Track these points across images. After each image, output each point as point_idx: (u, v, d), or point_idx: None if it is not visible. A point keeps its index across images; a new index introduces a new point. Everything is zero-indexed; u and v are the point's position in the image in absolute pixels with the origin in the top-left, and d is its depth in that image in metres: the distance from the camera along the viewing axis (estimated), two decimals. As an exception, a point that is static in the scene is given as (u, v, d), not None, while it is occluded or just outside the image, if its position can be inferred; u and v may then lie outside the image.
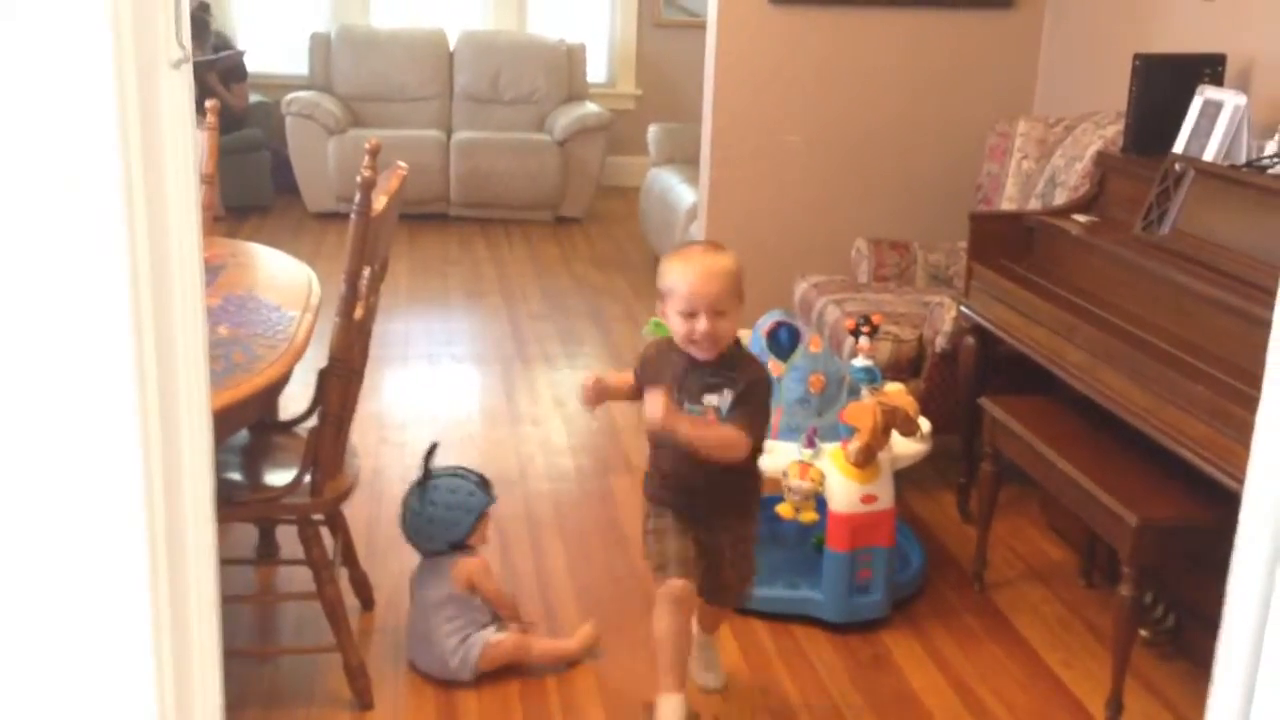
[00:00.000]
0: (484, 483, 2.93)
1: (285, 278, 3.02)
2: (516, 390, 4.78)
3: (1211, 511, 2.56)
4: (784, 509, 3.05)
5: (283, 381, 2.46)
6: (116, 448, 1.37)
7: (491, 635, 2.80)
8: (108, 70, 1.26)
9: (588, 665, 2.88)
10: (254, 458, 2.81)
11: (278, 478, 2.63)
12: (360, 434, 3.69)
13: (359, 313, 2.56)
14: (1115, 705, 2.64)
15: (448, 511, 2.83)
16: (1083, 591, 3.30)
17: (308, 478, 2.58)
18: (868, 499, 3.00)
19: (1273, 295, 2.40)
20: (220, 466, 2.58)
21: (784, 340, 3.25)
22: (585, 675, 2.85)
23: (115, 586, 1.40)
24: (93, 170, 1.29)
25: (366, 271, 2.56)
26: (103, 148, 1.28)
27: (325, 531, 2.83)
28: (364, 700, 2.68)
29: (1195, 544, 2.62)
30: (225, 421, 2.23)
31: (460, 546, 2.85)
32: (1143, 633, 2.95)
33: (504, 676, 2.82)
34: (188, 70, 1.50)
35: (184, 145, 1.48)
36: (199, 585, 1.61)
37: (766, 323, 3.27)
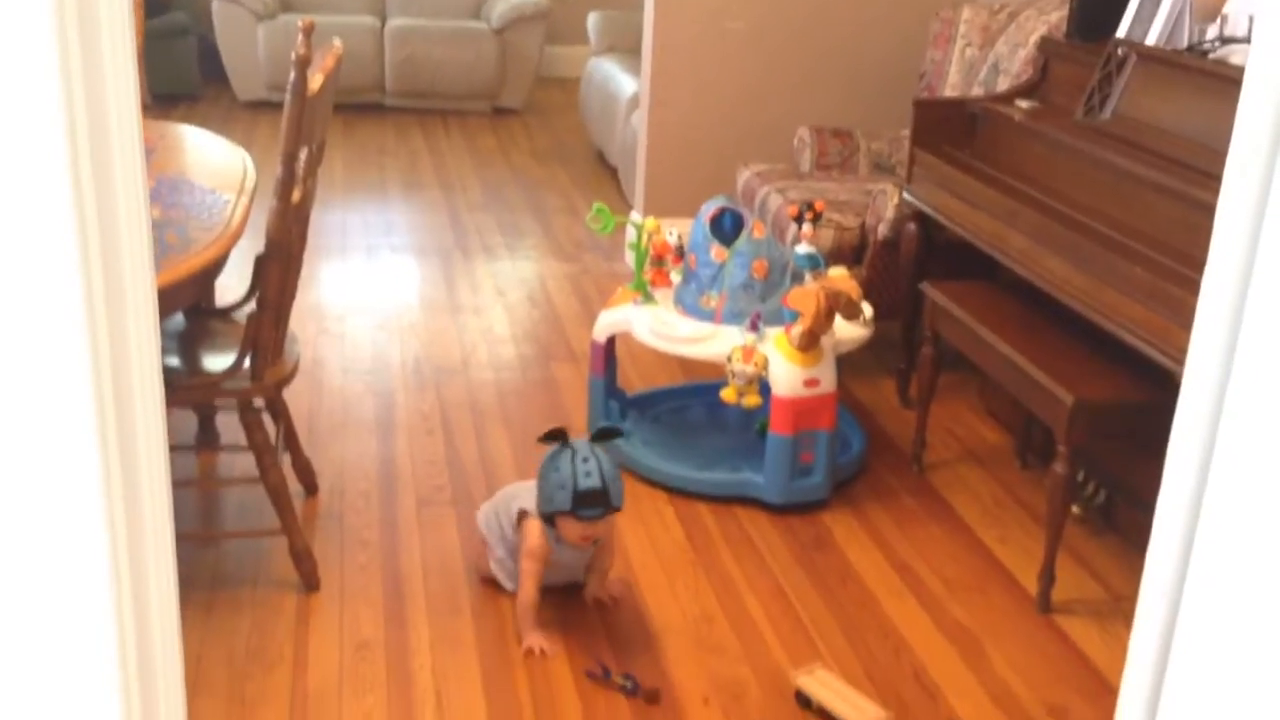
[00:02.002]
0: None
1: (219, 161, 2.95)
2: (457, 281, 4.73)
3: (1145, 391, 2.62)
4: (728, 393, 3.08)
5: (219, 265, 2.42)
6: (61, 324, 1.33)
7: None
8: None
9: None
10: (191, 344, 2.76)
11: (217, 363, 2.60)
12: (299, 325, 3.65)
13: (296, 196, 2.51)
14: (1047, 577, 2.72)
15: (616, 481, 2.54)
16: (1018, 472, 3.38)
17: (247, 362, 2.54)
18: (810, 383, 3.02)
19: (1211, 178, 2.44)
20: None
21: (727, 226, 3.24)
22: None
23: (67, 468, 1.38)
24: (26, 43, 1.23)
25: (303, 153, 2.50)
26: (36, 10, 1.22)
27: (267, 418, 2.81)
28: (310, 583, 2.69)
29: (1128, 423, 2.68)
30: (160, 304, 2.18)
31: (550, 518, 2.55)
32: (1074, 509, 3.03)
33: (459, 580, 2.84)
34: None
35: (121, 11, 1.41)
36: (149, 462, 1.59)
37: (710, 209, 3.25)
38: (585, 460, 2.49)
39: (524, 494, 2.64)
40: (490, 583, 2.75)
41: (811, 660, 2.52)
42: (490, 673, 2.48)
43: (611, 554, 2.70)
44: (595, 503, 2.48)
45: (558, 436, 2.54)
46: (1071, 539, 2.98)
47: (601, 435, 2.61)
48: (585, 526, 2.51)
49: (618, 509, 2.53)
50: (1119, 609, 2.76)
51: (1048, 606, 2.74)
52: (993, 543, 3.02)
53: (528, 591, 2.57)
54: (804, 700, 2.40)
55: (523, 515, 2.60)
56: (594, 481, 2.47)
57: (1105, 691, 2.48)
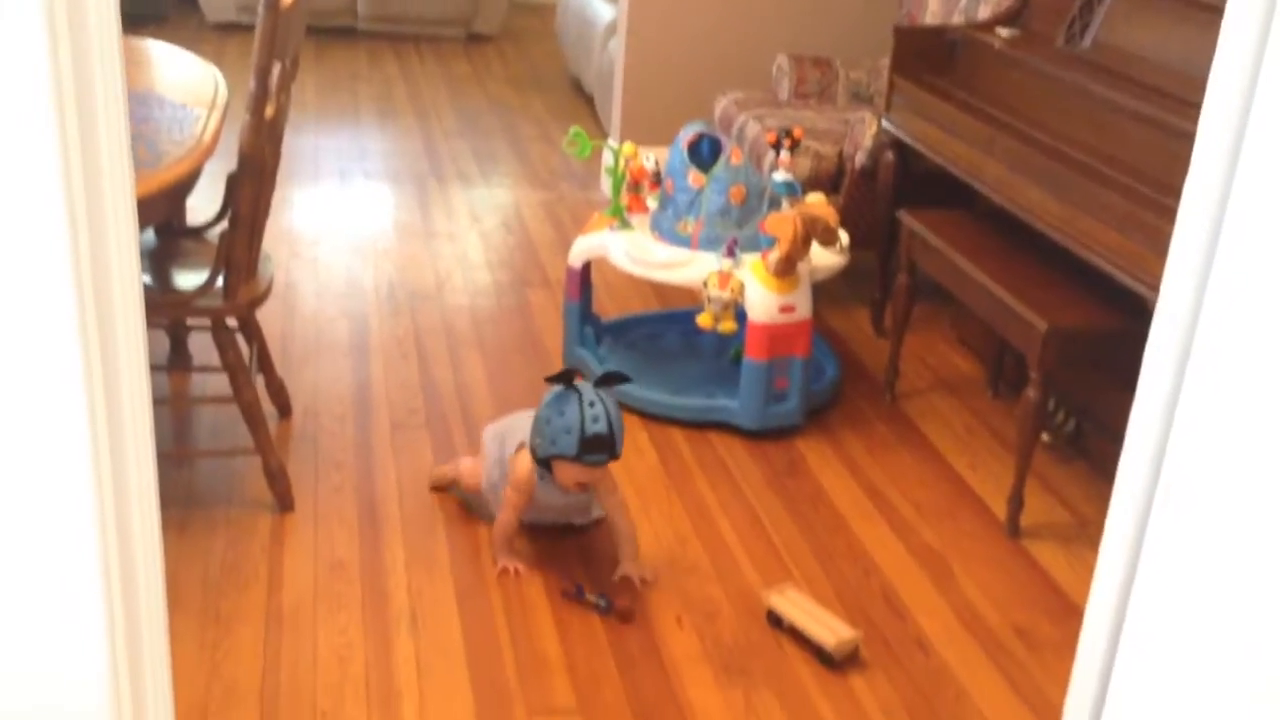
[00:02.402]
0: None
1: (189, 77, 2.90)
2: (432, 207, 4.70)
3: (1118, 319, 2.64)
4: (703, 319, 3.08)
5: (191, 181, 2.39)
6: (42, 236, 1.31)
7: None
8: None
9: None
10: (164, 262, 2.73)
11: (190, 280, 2.57)
12: (272, 248, 3.61)
13: (269, 111, 2.47)
14: (1016, 502, 2.76)
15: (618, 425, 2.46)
16: (989, 401, 3.41)
17: (220, 281, 2.52)
18: (786, 309, 3.03)
19: (1191, 106, 2.43)
20: (129, 269, 2.51)
21: (705, 152, 3.22)
22: (506, 480, 2.88)
23: (49, 384, 1.36)
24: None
25: (276, 68, 2.46)
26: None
27: (240, 340, 2.79)
28: (284, 503, 2.69)
29: (1099, 350, 2.71)
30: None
31: (546, 461, 2.48)
32: (1044, 436, 3.07)
33: (433, 501, 2.86)
34: None
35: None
36: (130, 375, 1.58)
37: (688, 134, 3.23)
38: (592, 405, 2.40)
39: (528, 426, 2.54)
40: (466, 517, 2.76)
41: (783, 581, 2.55)
42: (465, 592, 2.50)
43: (629, 523, 2.58)
44: (601, 448, 2.42)
45: (565, 379, 2.45)
46: (1041, 466, 3.02)
47: (607, 380, 2.51)
48: (585, 472, 2.45)
49: (618, 456, 2.47)
50: (1085, 534, 2.80)
51: (1016, 531, 2.78)
52: (963, 469, 3.06)
53: (506, 518, 2.56)
54: (775, 619, 2.43)
55: (520, 446, 2.55)
56: (601, 427, 2.40)
57: (1071, 613, 2.52)
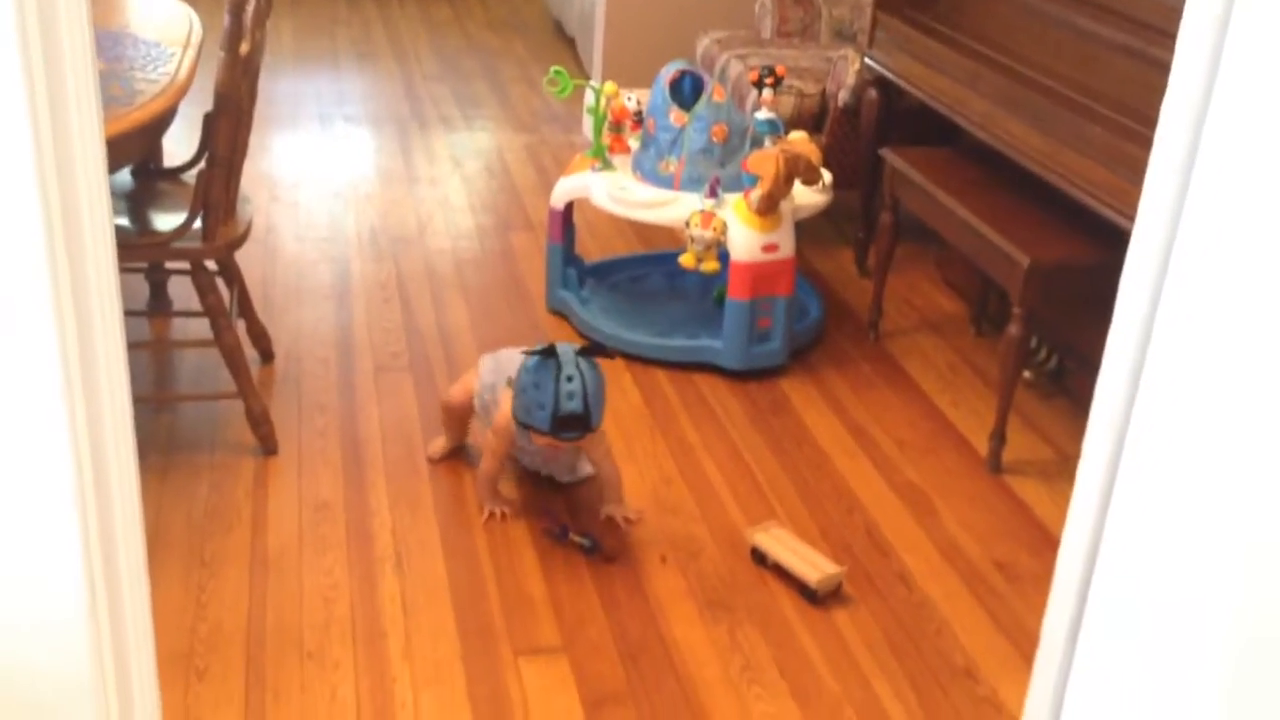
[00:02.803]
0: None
1: (161, 16, 2.85)
2: (413, 151, 4.65)
3: (1100, 253, 2.64)
4: (686, 259, 3.07)
5: (166, 119, 2.36)
6: (9, 175, 1.29)
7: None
8: None
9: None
10: (141, 204, 2.71)
11: (167, 222, 2.55)
12: (251, 192, 3.58)
13: (244, 48, 2.43)
14: (998, 438, 2.77)
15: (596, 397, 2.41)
16: (973, 340, 3.41)
17: (199, 222, 2.50)
18: (769, 248, 3.02)
19: (1173, 38, 2.42)
20: (105, 212, 2.49)
21: (687, 90, 3.20)
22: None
23: (22, 330, 1.35)
24: None
25: (251, 3, 2.42)
26: None
27: (220, 283, 2.77)
28: (268, 446, 2.69)
29: (1082, 285, 2.70)
30: (107, 157, 2.13)
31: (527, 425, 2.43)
32: (1026, 374, 3.08)
33: (417, 443, 2.85)
34: None
35: None
36: (104, 319, 1.56)
37: (669, 72, 3.20)
38: (570, 379, 2.33)
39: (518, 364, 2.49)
40: (445, 456, 2.76)
41: (767, 519, 2.56)
42: (449, 533, 2.50)
43: (614, 470, 2.56)
44: (573, 427, 2.36)
45: (545, 351, 2.38)
46: (1023, 403, 3.03)
47: (589, 352, 2.42)
48: (560, 443, 2.42)
49: (594, 430, 2.41)
50: (1066, 469, 2.82)
51: (998, 467, 2.79)
52: (946, 407, 3.06)
53: (488, 464, 2.54)
54: (759, 557, 2.44)
55: (509, 384, 2.48)
56: (575, 405, 2.33)
57: (1051, 546, 2.53)
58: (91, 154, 1.51)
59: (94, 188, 1.51)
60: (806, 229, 3.75)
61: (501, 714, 2.05)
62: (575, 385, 2.34)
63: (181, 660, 2.12)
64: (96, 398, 1.44)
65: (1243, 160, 1.06)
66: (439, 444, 2.74)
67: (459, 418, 2.70)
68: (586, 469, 2.66)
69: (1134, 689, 1.20)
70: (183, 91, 2.32)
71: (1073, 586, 1.27)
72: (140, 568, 1.05)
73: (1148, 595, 1.18)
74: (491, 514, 2.54)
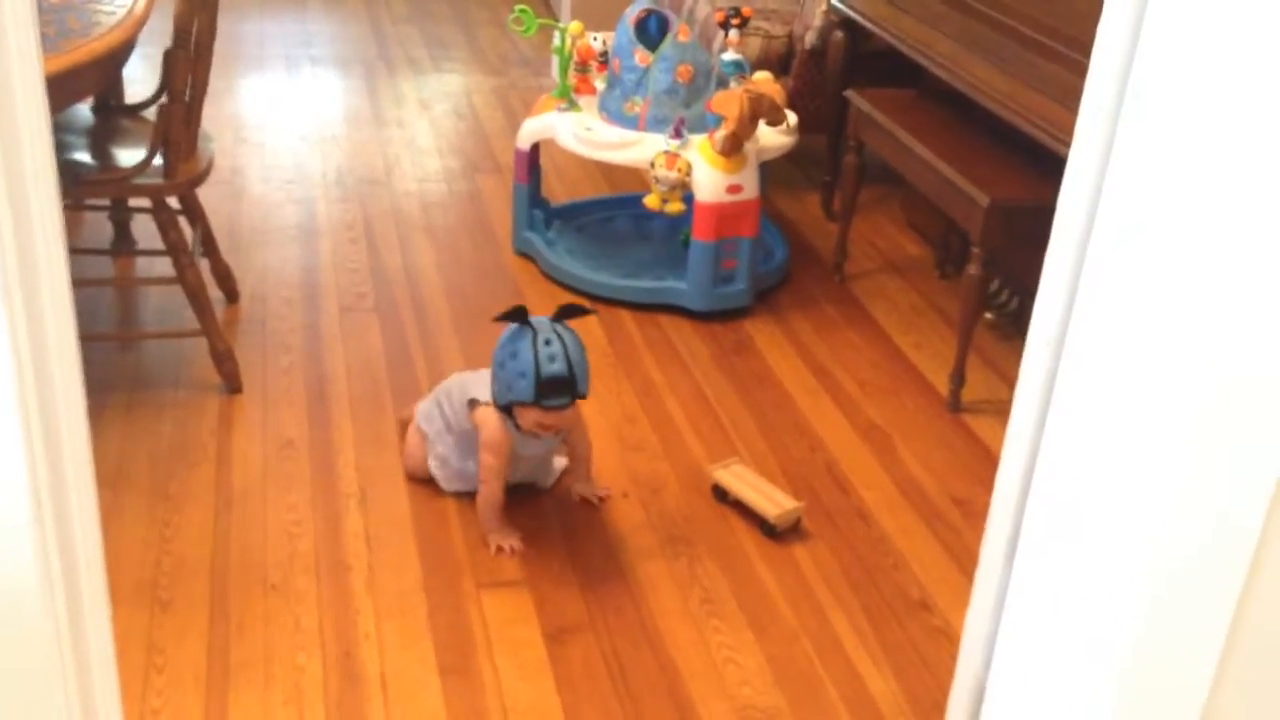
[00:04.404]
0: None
1: (121, -49, 2.81)
2: (380, 93, 4.62)
3: (1058, 193, 2.65)
4: (651, 200, 3.07)
5: (124, 52, 2.34)
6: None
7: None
8: None
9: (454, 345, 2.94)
10: (101, 140, 2.69)
11: (128, 158, 2.53)
12: (217, 134, 3.56)
13: (203, -17, 2.41)
14: (958, 378, 2.80)
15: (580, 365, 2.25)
16: (936, 283, 3.44)
17: (160, 159, 2.48)
18: (733, 189, 3.03)
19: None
20: (65, 148, 2.48)
21: (652, 29, 3.19)
22: (454, 363, 2.89)
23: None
24: None
25: (209, -63, 2.40)
26: None
27: (184, 223, 2.76)
28: (232, 384, 2.69)
29: (1042, 226, 2.71)
30: (62, 89, 2.12)
31: (508, 409, 2.27)
32: (988, 316, 3.11)
33: (382, 383, 2.86)
34: None
35: None
36: (48, 255, 1.56)
37: (635, 11, 3.19)
38: (548, 343, 2.18)
39: (473, 384, 2.34)
40: (412, 395, 2.77)
41: (729, 457, 2.59)
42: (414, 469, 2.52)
43: (587, 445, 2.45)
44: (560, 391, 2.19)
45: (516, 316, 2.23)
46: (984, 344, 3.06)
47: (565, 314, 2.28)
48: (548, 415, 2.23)
49: (583, 396, 2.25)
50: (1026, 409, 2.85)
51: (958, 406, 2.83)
52: (908, 348, 3.10)
53: (491, 489, 2.29)
54: (720, 493, 2.47)
55: (474, 404, 2.30)
56: (559, 367, 2.17)
57: (1008, 483, 2.58)
58: (30, 78, 1.49)
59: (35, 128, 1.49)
60: (773, 173, 3.76)
61: (463, 644, 2.08)
62: (555, 348, 2.18)
63: (145, 591, 2.13)
64: (35, 281, 1.42)
65: (1169, 94, 1.08)
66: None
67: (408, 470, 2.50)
68: (560, 462, 2.52)
69: (1065, 603, 1.24)
70: (140, 24, 2.30)
71: (1009, 508, 1.31)
72: (86, 466, 1.03)
73: (1078, 516, 1.21)
74: (500, 549, 2.29)
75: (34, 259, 1.45)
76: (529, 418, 2.24)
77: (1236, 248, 1.03)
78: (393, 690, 1.97)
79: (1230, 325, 1.05)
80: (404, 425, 2.56)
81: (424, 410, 2.45)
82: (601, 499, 2.46)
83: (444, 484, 2.43)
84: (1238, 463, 1.10)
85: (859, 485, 2.57)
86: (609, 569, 2.29)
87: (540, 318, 2.25)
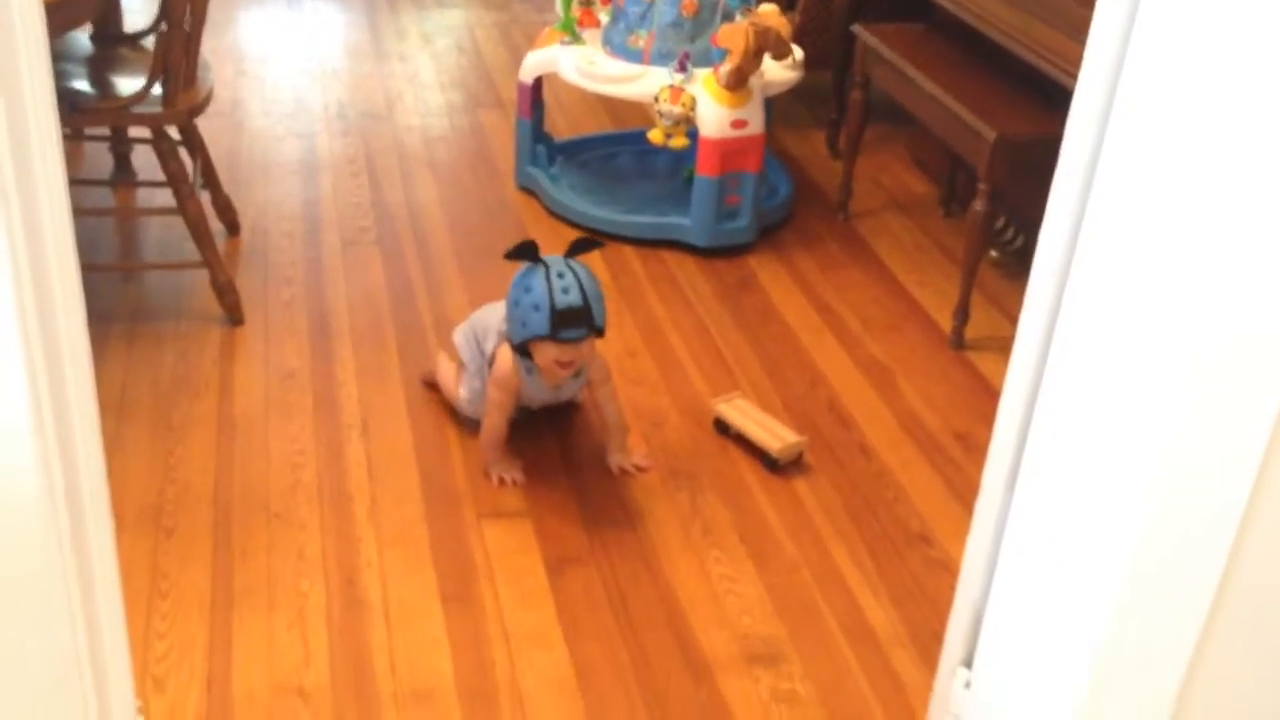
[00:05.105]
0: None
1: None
2: (382, 28, 4.58)
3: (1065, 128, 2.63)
4: (655, 135, 3.05)
5: (123, -22, 2.31)
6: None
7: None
8: None
9: (457, 280, 2.93)
10: (101, 68, 2.66)
11: (128, 86, 2.51)
12: (217, 67, 3.54)
13: (202, -93, 2.38)
14: (962, 314, 2.79)
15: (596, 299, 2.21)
16: (941, 221, 3.42)
17: (159, 88, 2.46)
18: (738, 124, 3.00)
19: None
20: (64, 76, 2.46)
21: (658, -39, 3.14)
22: (456, 297, 2.89)
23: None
24: None
25: None
26: None
27: (184, 153, 2.74)
28: (234, 316, 2.69)
29: (1049, 161, 2.70)
30: (63, 17, 2.10)
31: (524, 348, 2.24)
32: (993, 253, 3.10)
33: (384, 316, 2.86)
34: None
35: None
36: (48, 185, 1.55)
37: (641, -58, 3.14)
38: (561, 276, 2.15)
39: (500, 316, 2.31)
40: (414, 329, 2.76)
41: (731, 391, 2.59)
42: (415, 402, 2.52)
43: (619, 412, 2.38)
44: (576, 322, 2.15)
45: (526, 253, 2.19)
46: (988, 282, 3.05)
47: (578, 248, 2.25)
48: (565, 350, 2.18)
49: (600, 331, 2.21)
50: (1029, 346, 2.85)
51: (961, 343, 2.82)
52: (912, 285, 3.08)
53: (494, 423, 2.30)
54: (722, 427, 2.48)
55: (500, 342, 2.29)
56: (574, 298, 2.13)
57: (1009, 420, 2.58)
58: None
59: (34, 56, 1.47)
60: (778, 110, 3.72)
61: (464, 572, 2.09)
62: (569, 280, 2.15)
63: (149, 519, 2.15)
64: (32, 188, 1.41)
65: (1177, 25, 1.06)
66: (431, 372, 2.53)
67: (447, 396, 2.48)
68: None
69: (1064, 531, 1.24)
70: (138, -51, 2.26)
71: (1011, 437, 1.31)
72: (86, 374, 1.02)
73: (1079, 445, 1.21)
74: (501, 480, 2.31)
75: (30, 164, 1.44)
76: (546, 355, 2.20)
77: (1245, 180, 1.02)
78: (395, 616, 1.99)
79: (1235, 257, 1.05)
80: (431, 377, 2.52)
81: (461, 338, 2.41)
82: (640, 469, 2.36)
83: (473, 412, 2.39)
84: (1239, 392, 1.10)
85: (860, 420, 2.57)
86: (610, 501, 2.29)
87: (553, 255, 2.21)
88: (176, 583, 2.02)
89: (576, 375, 2.30)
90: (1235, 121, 1.01)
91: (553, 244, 3.13)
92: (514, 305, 2.20)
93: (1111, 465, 1.17)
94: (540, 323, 2.14)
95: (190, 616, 1.96)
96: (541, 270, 2.17)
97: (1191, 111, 1.05)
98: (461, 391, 2.40)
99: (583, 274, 2.19)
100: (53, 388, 0.85)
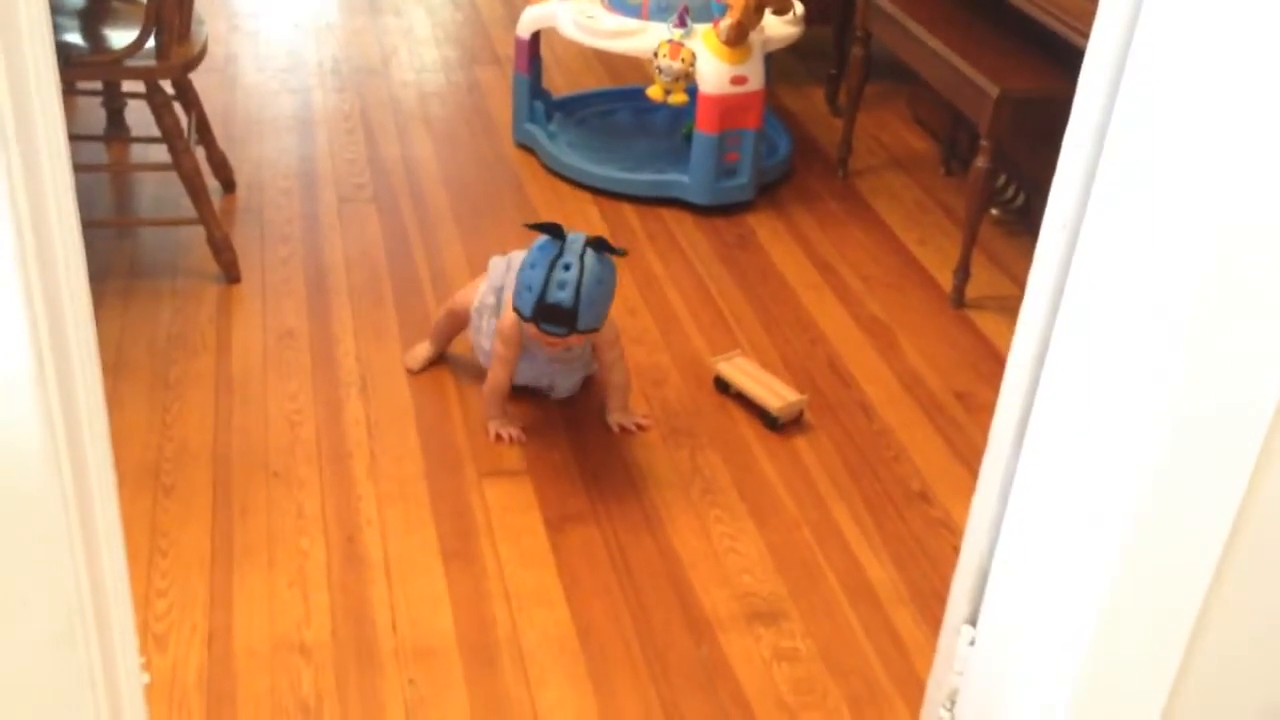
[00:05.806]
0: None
1: None
2: (376, -18, 4.52)
3: (1071, 86, 2.61)
4: (654, 91, 3.02)
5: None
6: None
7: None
8: None
9: (456, 243, 2.91)
10: (94, 21, 2.63)
11: (121, 39, 2.48)
12: (210, 22, 3.49)
13: None
14: (963, 273, 2.78)
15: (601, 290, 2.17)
16: (942, 179, 3.40)
17: (152, 41, 2.43)
18: (738, 80, 2.97)
19: None
20: (56, 29, 2.42)
21: (658, -86, 3.10)
22: (454, 254, 2.87)
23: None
24: None
25: None
26: None
27: (179, 109, 2.71)
28: (230, 274, 2.67)
29: (1052, 118, 2.67)
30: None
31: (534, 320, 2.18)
32: (994, 212, 3.08)
33: (381, 273, 2.84)
34: None
35: None
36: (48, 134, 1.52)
37: (640, -105, 3.10)
38: (567, 268, 2.10)
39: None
40: (412, 286, 2.75)
41: (730, 349, 2.58)
42: (414, 359, 2.51)
43: (625, 373, 2.36)
44: (558, 320, 2.12)
45: (549, 230, 2.16)
46: (989, 241, 3.04)
47: (600, 244, 2.16)
48: (544, 336, 2.18)
49: (583, 333, 2.17)
50: (1029, 305, 2.84)
51: (961, 301, 2.81)
52: (912, 244, 3.07)
53: (497, 375, 2.29)
54: (722, 385, 2.47)
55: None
56: (565, 296, 2.09)
57: (1010, 378, 2.58)
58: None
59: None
60: (778, 67, 3.70)
61: (465, 530, 2.09)
62: (570, 275, 2.09)
63: (148, 476, 2.14)
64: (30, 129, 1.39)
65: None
66: (421, 351, 2.48)
67: (455, 326, 2.45)
68: (588, 368, 2.44)
69: (1071, 488, 1.24)
70: (131, -102, 2.23)
71: (1019, 393, 1.30)
72: (88, 324, 1.00)
73: (1088, 401, 1.21)
74: (499, 437, 2.30)
75: (29, 111, 1.41)
76: (530, 330, 2.20)
77: (1259, 132, 1.00)
78: (396, 573, 1.98)
79: (1247, 211, 1.03)
80: (454, 316, 2.46)
81: (498, 258, 2.39)
82: (641, 427, 2.36)
83: (478, 333, 2.38)
84: (1249, 348, 1.09)
85: (861, 379, 2.56)
86: (610, 460, 2.29)
87: (577, 235, 2.15)
88: (176, 541, 2.01)
89: (570, 352, 2.29)
90: (1255, 78, 0.99)
91: (550, 201, 3.12)
92: (521, 271, 2.18)
93: (1119, 421, 1.16)
94: (526, 305, 2.14)
95: (190, 574, 1.95)
96: (552, 255, 2.12)
97: (1207, 66, 1.04)
98: (474, 301, 2.37)
99: (589, 273, 2.12)
100: (54, 337, 0.84)
